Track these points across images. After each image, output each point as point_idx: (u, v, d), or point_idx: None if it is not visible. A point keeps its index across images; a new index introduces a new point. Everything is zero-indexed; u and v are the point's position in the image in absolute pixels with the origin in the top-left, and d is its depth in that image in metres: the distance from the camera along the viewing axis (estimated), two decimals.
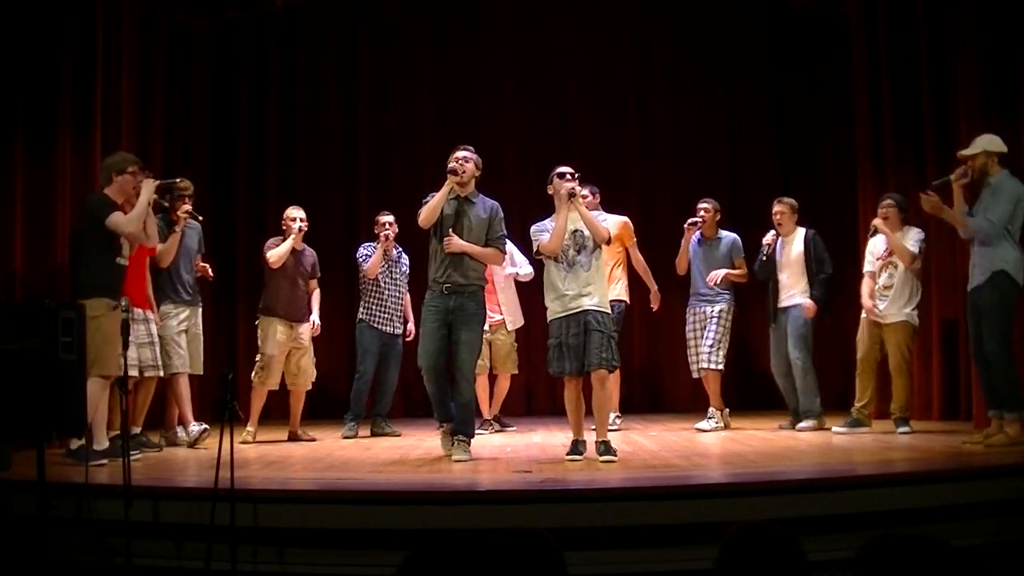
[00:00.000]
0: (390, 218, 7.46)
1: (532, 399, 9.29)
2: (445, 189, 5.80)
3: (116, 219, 5.55)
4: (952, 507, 4.34)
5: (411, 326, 7.56)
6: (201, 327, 6.79)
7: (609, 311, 5.68)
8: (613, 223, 5.72)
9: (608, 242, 5.84)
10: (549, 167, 9.55)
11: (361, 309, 7.46)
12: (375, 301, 7.42)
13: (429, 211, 5.76)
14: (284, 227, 7.16)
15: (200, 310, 6.82)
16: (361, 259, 7.45)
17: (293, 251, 7.12)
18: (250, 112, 9.54)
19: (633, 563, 4.08)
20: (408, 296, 7.63)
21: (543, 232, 5.75)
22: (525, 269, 7.59)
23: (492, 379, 7.75)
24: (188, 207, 6.61)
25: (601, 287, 5.66)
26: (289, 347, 7.10)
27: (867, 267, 6.98)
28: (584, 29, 9.80)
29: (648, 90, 9.81)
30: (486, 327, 7.13)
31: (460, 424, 5.80)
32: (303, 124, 9.67)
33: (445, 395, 5.84)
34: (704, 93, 9.75)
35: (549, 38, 9.79)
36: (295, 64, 9.68)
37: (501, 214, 6.03)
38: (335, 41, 9.78)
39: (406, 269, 7.60)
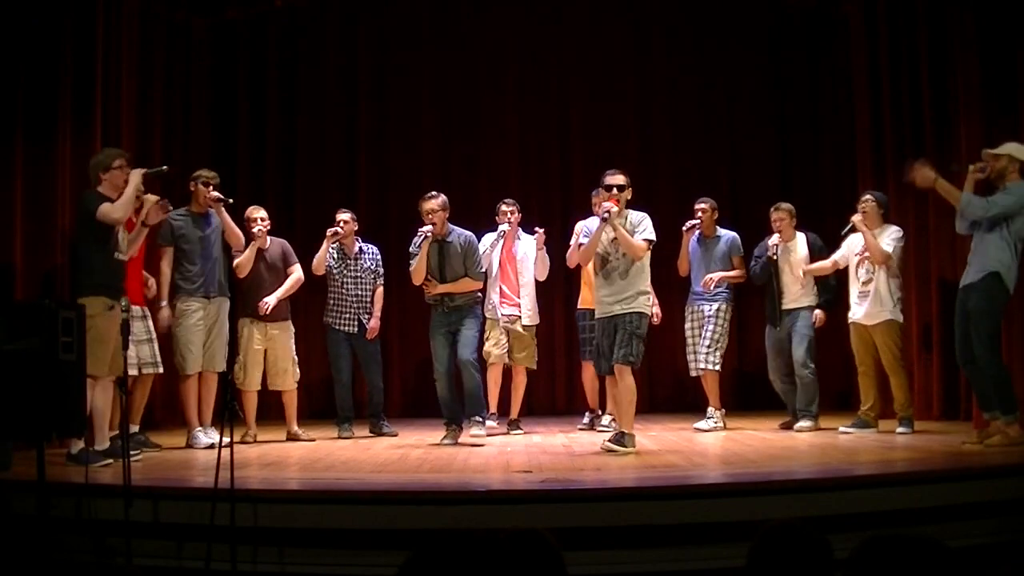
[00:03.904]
0: (346, 216, 7.39)
1: (532, 399, 9.26)
2: (425, 248, 6.59)
3: (104, 208, 5.56)
4: (951, 507, 4.34)
5: (374, 321, 7.40)
6: (222, 322, 6.72)
7: (642, 311, 5.82)
8: (640, 220, 5.90)
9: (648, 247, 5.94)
10: (549, 167, 9.70)
11: (324, 311, 7.43)
12: (334, 301, 7.37)
13: (418, 271, 6.63)
14: (248, 228, 7.03)
15: (221, 304, 6.74)
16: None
17: (260, 251, 7.02)
18: (250, 112, 9.54)
19: (633, 563, 4.07)
20: (380, 290, 7.51)
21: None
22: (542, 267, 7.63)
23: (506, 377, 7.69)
24: (214, 193, 6.64)
25: (636, 290, 5.81)
26: (264, 347, 7.05)
27: (837, 255, 7.02)
28: (584, 29, 9.80)
29: (648, 90, 9.81)
30: (505, 317, 7.27)
31: (471, 406, 6.74)
32: (303, 124, 9.67)
33: (455, 398, 6.72)
34: (704, 93, 9.74)
35: (549, 38, 9.79)
36: (295, 64, 9.68)
37: (475, 245, 6.83)
38: (335, 41, 9.78)
39: (370, 264, 7.46)
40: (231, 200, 6.78)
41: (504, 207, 7.50)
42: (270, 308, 7.02)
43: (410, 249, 6.71)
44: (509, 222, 7.43)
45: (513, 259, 7.53)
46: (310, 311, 8.25)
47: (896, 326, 6.77)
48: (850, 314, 6.95)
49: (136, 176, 5.73)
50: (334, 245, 7.37)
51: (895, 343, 6.75)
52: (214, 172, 6.81)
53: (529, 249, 7.59)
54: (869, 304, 6.77)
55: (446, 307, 6.70)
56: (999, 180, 5.73)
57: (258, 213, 7.09)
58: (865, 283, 6.80)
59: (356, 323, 7.38)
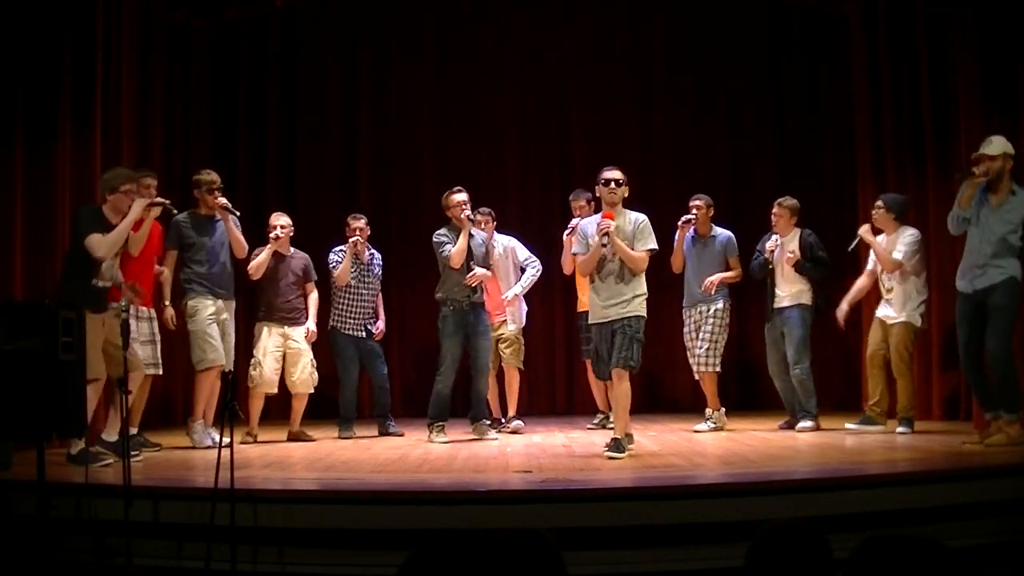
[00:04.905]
0: (361, 223, 7.41)
1: (532, 399, 9.28)
2: (465, 236, 6.90)
3: (91, 241, 5.51)
4: (952, 507, 4.34)
5: (380, 324, 7.54)
6: (229, 322, 6.73)
7: (640, 315, 5.77)
8: (641, 225, 5.86)
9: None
10: (549, 167, 9.70)
11: (332, 315, 7.42)
12: (347, 306, 7.38)
13: (460, 254, 6.88)
14: (267, 231, 7.12)
15: (230, 305, 6.76)
16: (332, 265, 7.39)
17: (281, 257, 7.10)
18: (250, 112, 9.54)
19: (633, 563, 4.07)
20: (381, 295, 7.61)
21: (581, 245, 5.97)
22: (533, 269, 7.61)
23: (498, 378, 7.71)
24: (223, 201, 6.63)
25: (634, 293, 5.78)
26: (282, 351, 7.06)
27: (869, 265, 7.03)
28: (584, 29, 9.80)
29: (648, 90, 9.81)
30: (492, 323, 7.29)
31: (478, 410, 6.99)
32: (303, 124, 9.67)
33: (451, 395, 6.89)
34: (704, 93, 9.74)
35: (549, 38, 9.79)
36: (295, 64, 9.68)
37: (486, 244, 7.23)
38: (335, 41, 9.78)
39: (378, 270, 7.56)
40: (238, 213, 6.77)
41: (480, 216, 7.47)
42: (315, 335, 7.18)
43: (439, 239, 6.95)
44: (483, 229, 7.40)
45: (494, 267, 7.54)
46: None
47: (910, 329, 6.72)
48: (876, 311, 6.94)
49: (136, 208, 5.69)
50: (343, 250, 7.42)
51: (905, 346, 6.72)
52: (215, 176, 6.75)
53: (508, 253, 7.62)
54: (890, 308, 6.76)
55: (469, 302, 6.88)
56: (997, 180, 5.74)
57: (279, 220, 7.16)
58: (888, 291, 6.79)
59: (364, 328, 7.42)
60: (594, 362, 6.10)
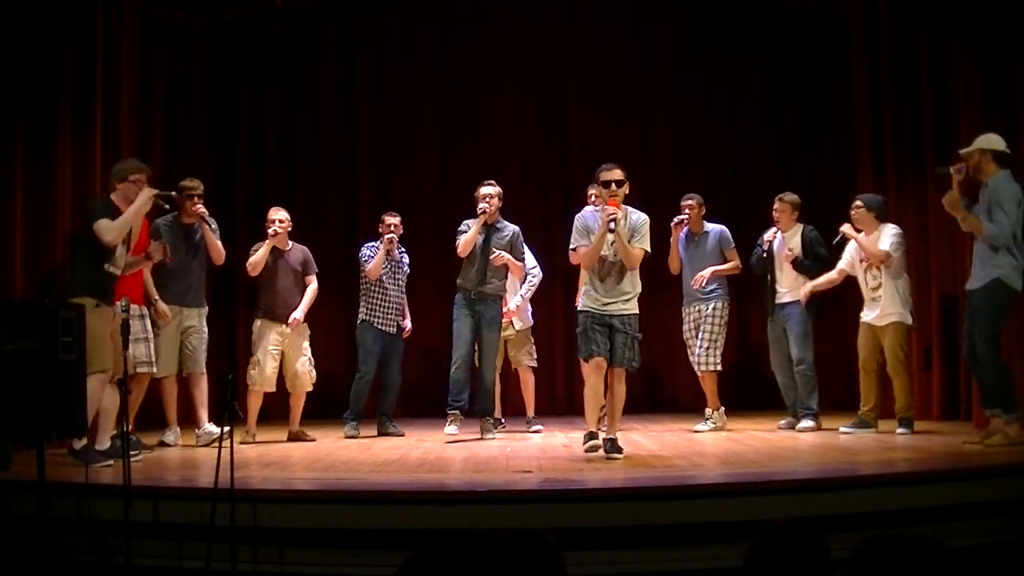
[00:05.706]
0: (396, 219, 7.47)
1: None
2: (478, 227, 6.90)
3: (100, 225, 5.55)
4: (952, 507, 4.34)
5: (407, 323, 7.61)
6: (198, 327, 6.75)
7: (637, 313, 5.79)
8: (641, 223, 5.81)
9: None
10: (549, 166, 9.70)
11: (363, 309, 7.44)
12: (378, 302, 7.41)
13: (466, 245, 6.90)
14: (265, 227, 7.14)
15: (197, 311, 6.77)
16: (364, 259, 7.43)
17: (279, 252, 7.11)
18: (250, 112, 9.54)
19: (633, 563, 4.07)
20: (405, 296, 7.64)
21: (584, 237, 5.83)
22: (534, 275, 7.58)
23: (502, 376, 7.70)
24: (202, 209, 6.65)
25: (635, 291, 5.78)
26: (280, 349, 7.07)
27: (842, 263, 6.99)
28: (584, 29, 9.80)
29: (648, 90, 9.81)
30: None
31: (484, 406, 7.01)
32: (303, 124, 9.67)
33: (468, 383, 6.97)
34: (704, 93, 9.74)
35: (549, 38, 9.79)
36: (295, 64, 9.68)
37: (520, 238, 7.14)
38: (335, 41, 9.78)
39: (407, 269, 7.61)
40: (214, 225, 6.79)
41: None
42: (299, 323, 7.10)
43: (460, 228, 7.01)
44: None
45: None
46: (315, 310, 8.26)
47: (903, 328, 6.71)
48: (862, 314, 6.92)
49: (143, 197, 5.72)
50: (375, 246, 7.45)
51: (900, 346, 6.71)
52: (197, 183, 6.79)
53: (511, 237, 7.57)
54: (880, 308, 6.73)
55: (477, 291, 6.91)
56: (978, 174, 5.73)
57: (277, 215, 7.15)
58: (874, 288, 6.77)
59: (395, 325, 7.46)
60: (583, 344, 5.73)
